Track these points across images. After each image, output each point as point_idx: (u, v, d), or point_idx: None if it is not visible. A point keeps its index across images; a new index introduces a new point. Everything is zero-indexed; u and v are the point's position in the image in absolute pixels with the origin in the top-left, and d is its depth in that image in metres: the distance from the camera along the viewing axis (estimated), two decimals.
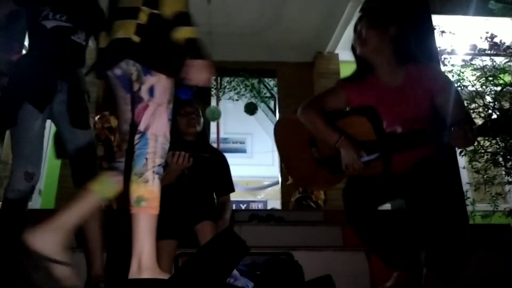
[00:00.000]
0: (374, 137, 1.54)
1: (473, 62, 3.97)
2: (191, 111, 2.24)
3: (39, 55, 1.68)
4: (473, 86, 3.81)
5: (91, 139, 1.76)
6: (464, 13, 4.31)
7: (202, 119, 2.30)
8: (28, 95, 1.61)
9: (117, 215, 1.78)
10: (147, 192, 1.24)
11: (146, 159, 1.25)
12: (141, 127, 1.27)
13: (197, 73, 1.31)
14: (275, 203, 6.23)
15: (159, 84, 1.30)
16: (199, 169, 2.06)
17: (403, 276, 1.48)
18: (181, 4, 1.32)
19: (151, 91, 1.29)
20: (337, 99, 1.67)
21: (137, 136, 1.28)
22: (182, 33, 1.29)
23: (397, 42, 1.61)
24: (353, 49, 1.69)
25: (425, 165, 1.49)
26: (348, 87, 1.68)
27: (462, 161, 3.74)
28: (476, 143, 3.59)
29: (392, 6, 3.42)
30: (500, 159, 3.43)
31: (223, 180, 2.27)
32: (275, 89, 5.68)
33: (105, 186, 1.33)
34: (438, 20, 3.82)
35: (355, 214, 1.54)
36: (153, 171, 1.26)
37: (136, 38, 1.29)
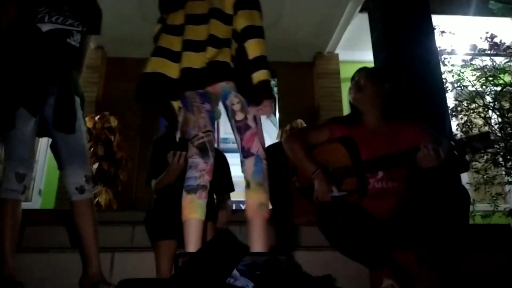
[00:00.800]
0: (349, 162, 1.64)
1: (473, 62, 3.97)
2: None
3: (32, 58, 1.65)
4: (473, 86, 3.81)
5: (78, 143, 1.69)
6: (464, 13, 4.31)
7: None
8: (22, 99, 1.60)
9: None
10: (267, 200, 1.50)
11: (264, 173, 1.52)
12: (254, 150, 1.54)
13: (269, 110, 1.55)
14: None
15: (258, 114, 1.56)
16: None
17: (390, 273, 1.49)
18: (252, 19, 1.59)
19: (255, 120, 1.56)
20: (320, 134, 1.78)
21: (250, 158, 1.53)
22: (260, 75, 1.50)
23: (388, 99, 1.76)
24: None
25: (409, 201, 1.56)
26: (334, 126, 1.78)
27: None
28: None
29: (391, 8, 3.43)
30: (500, 159, 3.43)
31: (223, 180, 2.26)
32: (275, 89, 5.67)
33: (202, 210, 1.48)
34: (438, 20, 3.83)
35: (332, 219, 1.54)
36: (268, 184, 1.52)
37: (232, 65, 1.52)
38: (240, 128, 1.56)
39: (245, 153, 1.54)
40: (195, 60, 1.51)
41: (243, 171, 1.59)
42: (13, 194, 1.58)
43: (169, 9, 1.67)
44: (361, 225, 1.51)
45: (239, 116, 1.55)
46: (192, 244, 1.42)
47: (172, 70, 1.53)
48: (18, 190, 1.59)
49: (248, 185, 1.54)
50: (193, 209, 1.46)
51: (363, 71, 1.83)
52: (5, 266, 1.53)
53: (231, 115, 1.59)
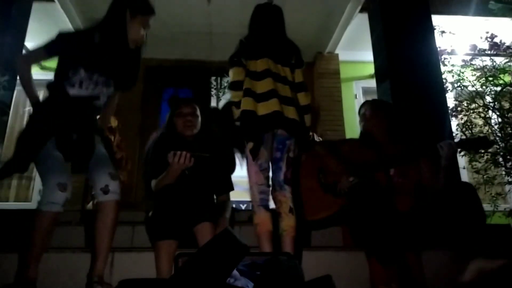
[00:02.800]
0: (375, 158, 2.03)
1: (473, 62, 3.97)
2: (188, 113, 2.22)
3: (58, 113, 1.74)
4: (473, 86, 3.81)
5: (100, 161, 1.80)
6: (464, 13, 4.30)
7: (200, 119, 2.28)
8: (53, 142, 1.70)
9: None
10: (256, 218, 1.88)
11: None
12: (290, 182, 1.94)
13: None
14: None
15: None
16: (199, 169, 2.06)
17: (396, 275, 1.51)
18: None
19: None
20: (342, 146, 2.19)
21: (289, 187, 1.92)
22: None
23: (392, 124, 2.16)
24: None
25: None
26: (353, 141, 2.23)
27: (462, 161, 3.74)
28: None
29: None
30: (500, 159, 3.43)
31: (223, 179, 2.26)
32: None
33: None
34: (438, 20, 3.82)
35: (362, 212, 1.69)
36: None
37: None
38: (289, 162, 1.95)
39: (287, 181, 1.93)
40: (286, 110, 1.90)
41: (282, 195, 1.90)
42: (54, 207, 1.60)
43: (251, 57, 2.01)
44: (385, 217, 1.66)
45: (292, 154, 1.97)
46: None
47: (259, 109, 1.90)
48: (59, 202, 1.61)
49: (291, 211, 1.87)
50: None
51: (367, 104, 2.26)
52: (29, 269, 1.57)
53: (286, 150, 1.95)
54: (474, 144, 2.00)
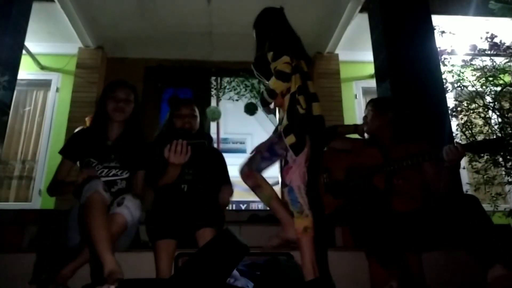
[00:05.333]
0: (381, 161, 2.03)
1: (473, 62, 3.97)
2: (187, 114, 2.24)
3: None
4: (473, 86, 3.81)
5: None
6: (464, 13, 4.30)
7: (198, 119, 2.31)
8: None
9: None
10: (310, 222, 1.66)
11: (301, 202, 1.73)
12: (287, 181, 1.81)
13: None
14: None
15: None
16: (200, 170, 2.06)
17: (397, 275, 1.52)
18: None
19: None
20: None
21: (285, 188, 1.80)
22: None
23: (393, 124, 2.17)
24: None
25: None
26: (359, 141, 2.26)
27: (462, 161, 3.73)
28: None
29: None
30: (500, 159, 3.43)
31: (219, 173, 2.29)
32: None
33: None
34: (438, 20, 3.82)
35: (362, 214, 1.68)
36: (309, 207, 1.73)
37: None
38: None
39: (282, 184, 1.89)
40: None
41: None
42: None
43: (297, 56, 1.89)
44: (383, 218, 1.65)
45: None
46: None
47: (313, 109, 1.80)
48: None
49: (292, 214, 1.74)
50: None
51: (368, 105, 2.26)
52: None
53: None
54: (489, 146, 1.88)
